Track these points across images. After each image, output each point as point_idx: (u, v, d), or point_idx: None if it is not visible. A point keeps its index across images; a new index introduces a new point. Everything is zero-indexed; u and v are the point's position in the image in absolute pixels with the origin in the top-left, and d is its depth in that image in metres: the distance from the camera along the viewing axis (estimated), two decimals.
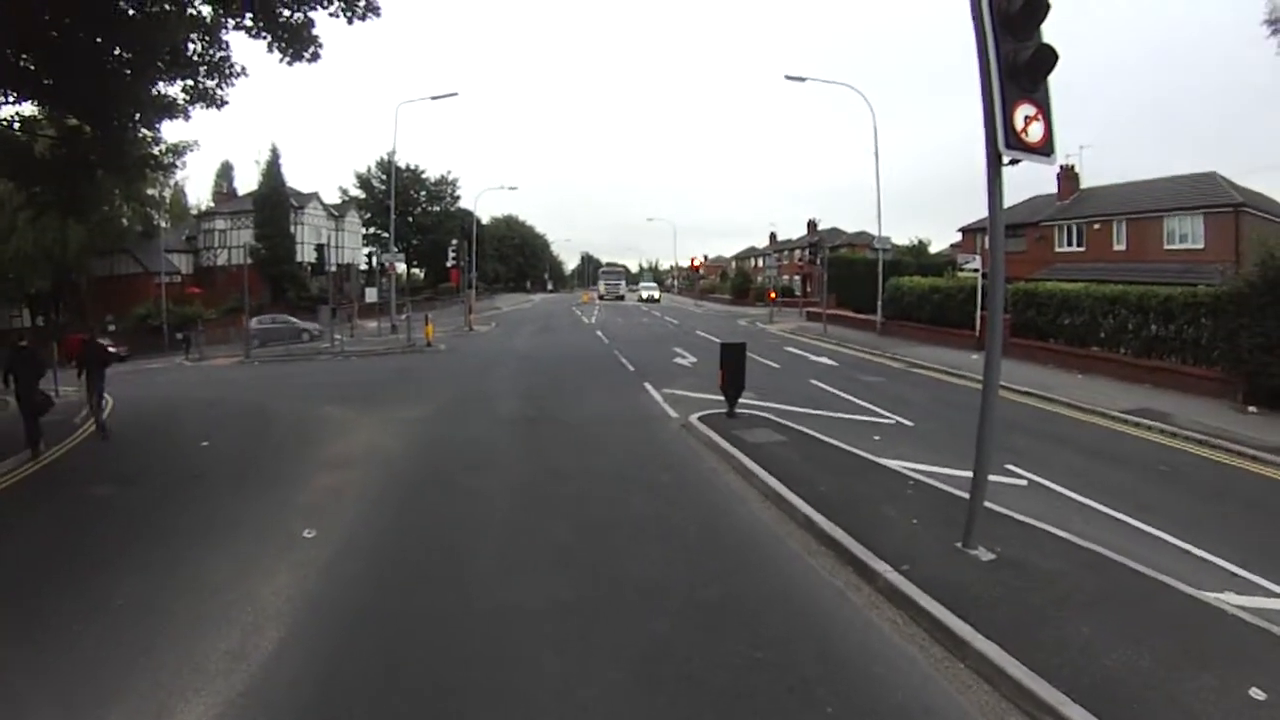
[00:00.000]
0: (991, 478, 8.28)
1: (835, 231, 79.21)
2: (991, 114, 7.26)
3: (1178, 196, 35.84)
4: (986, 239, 9.30)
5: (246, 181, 72.17)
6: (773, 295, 54.94)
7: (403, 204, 74.90)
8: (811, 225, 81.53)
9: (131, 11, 15.03)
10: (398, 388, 22.01)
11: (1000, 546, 7.91)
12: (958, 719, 5.28)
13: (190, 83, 17.28)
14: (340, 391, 21.19)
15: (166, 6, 15.45)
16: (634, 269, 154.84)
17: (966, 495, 8.15)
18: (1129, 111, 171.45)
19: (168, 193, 63.48)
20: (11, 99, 16.97)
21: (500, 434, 14.76)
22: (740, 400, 15.33)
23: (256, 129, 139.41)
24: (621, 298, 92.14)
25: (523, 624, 6.59)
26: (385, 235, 62.50)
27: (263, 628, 6.58)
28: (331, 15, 16.26)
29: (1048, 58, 7.26)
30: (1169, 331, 20.69)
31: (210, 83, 17.33)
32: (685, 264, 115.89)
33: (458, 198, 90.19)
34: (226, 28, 16.57)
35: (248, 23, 16.00)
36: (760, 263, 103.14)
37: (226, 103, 17.79)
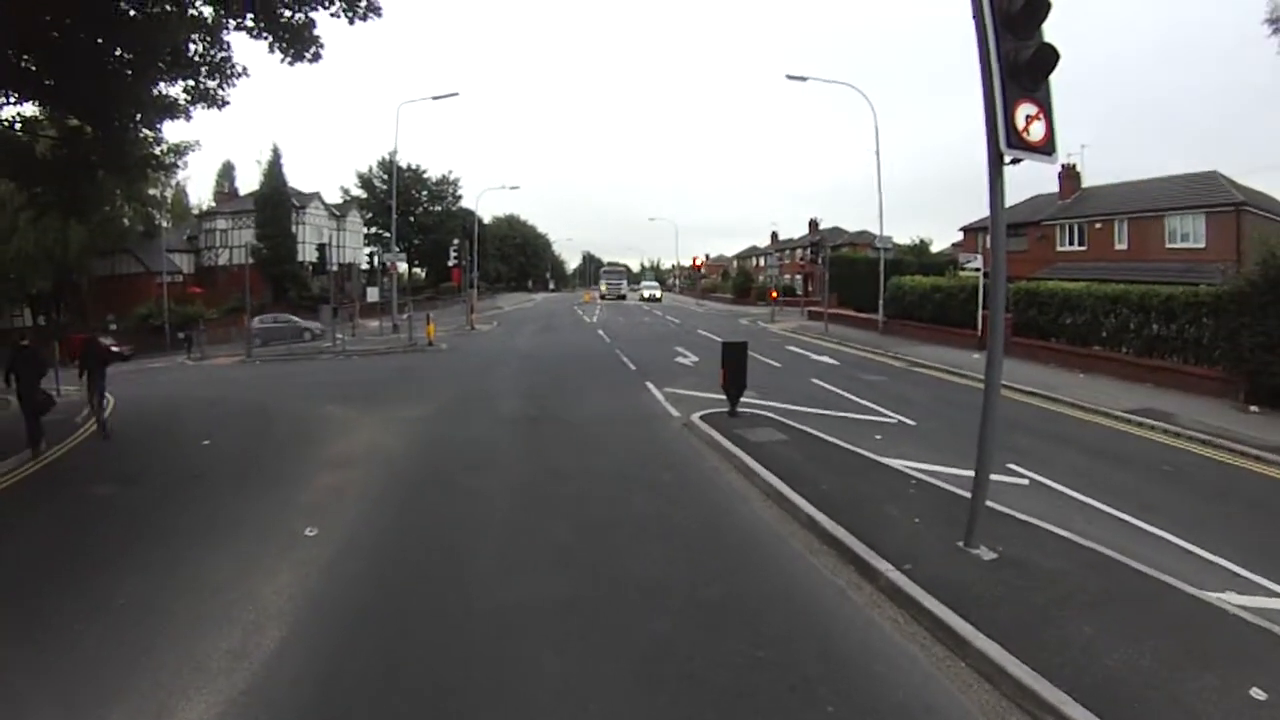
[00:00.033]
0: (993, 477, 8.29)
1: (837, 231, 79.15)
2: (993, 113, 7.26)
3: (1179, 196, 35.80)
4: (988, 238, 9.29)
5: (248, 181, 72.25)
6: (774, 294, 54.94)
7: (404, 204, 74.91)
8: (813, 224, 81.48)
9: (132, 12, 15.03)
10: (399, 387, 22.01)
11: (1002, 546, 7.90)
12: (959, 718, 5.28)
13: (191, 83, 17.28)
14: (342, 391, 21.19)
15: (167, 7, 15.45)
16: (635, 268, 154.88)
17: (968, 494, 8.14)
18: (1130, 111, 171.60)
19: (169, 193, 63.61)
20: (13, 100, 16.99)
21: (502, 433, 14.76)
22: (742, 399, 15.32)
23: (258, 129, 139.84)
24: (623, 297, 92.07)
25: (524, 623, 6.59)
26: (387, 235, 62.51)
27: (264, 627, 6.58)
28: (333, 16, 16.26)
29: (1049, 57, 7.26)
30: (1171, 331, 20.68)
31: (211, 83, 17.33)
32: (687, 263, 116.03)
33: (459, 197, 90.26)
34: (228, 28, 16.57)
35: (249, 23, 16.00)
36: (762, 262, 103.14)
37: (228, 103, 17.80)
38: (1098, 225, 39.19)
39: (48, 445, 14.64)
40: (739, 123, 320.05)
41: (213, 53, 17.00)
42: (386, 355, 32.63)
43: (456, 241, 65.27)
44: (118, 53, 15.70)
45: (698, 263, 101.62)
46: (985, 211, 8.10)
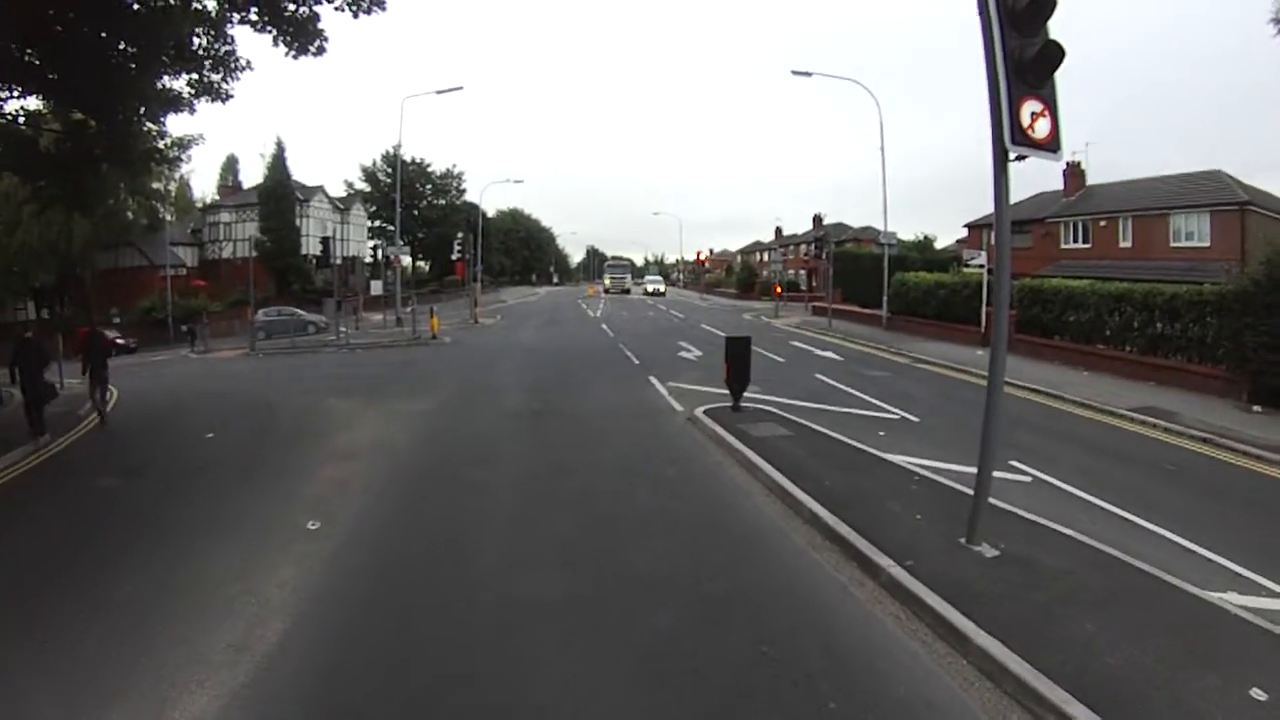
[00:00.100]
0: (996, 474, 8.30)
1: (841, 226, 78.91)
2: (998, 110, 7.25)
3: (1184, 194, 35.72)
4: (992, 234, 9.29)
5: (252, 175, 72.11)
6: (778, 290, 54.90)
7: (408, 197, 75.02)
8: (817, 220, 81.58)
9: (136, 6, 15.04)
10: (403, 380, 22.03)
11: (1004, 543, 7.90)
12: (960, 715, 5.28)
13: (195, 76, 17.30)
14: (345, 384, 21.23)
15: (171, 1, 15.44)
16: (639, 263, 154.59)
17: (971, 491, 8.13)
18: (1135, 108, 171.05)
19: (173, 186, 63.41)
20: (16, 94, 17.01)
21: (505, 427, 14.78)
22: (745, 394, 15.34)
23: (262, 122, 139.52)
24: (627, 291, 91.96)
25: (527, 617, 6.60)
26: (391, 228, 62.76)
27: (267, 620, 6.60)
28: (336, 9, 16.30)
29: (1054, 54, 7.24)
30: (1174, 330, 20.65)
31: (215, 76, 17.35)
32: (691, 258, 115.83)
33: (463, 191, 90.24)
34: (231, 21, 16.57)
35: (253, 16, 16.02)
36: (766, 257, 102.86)
37: (232, 96, 17.82)
38: (1102, 223, 39.13)
39: (51, 438, 14.68)
40: (743, 118, 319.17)
41: (216, 46, 17.01)
42: (390, 349, 32.66)
43: (460, 235, 65.56)
44: (121, 46, 15.70)
45: (702, 257, 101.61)
46: (989, 208, 8.08)
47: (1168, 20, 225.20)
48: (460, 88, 49.82)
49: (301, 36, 16.29)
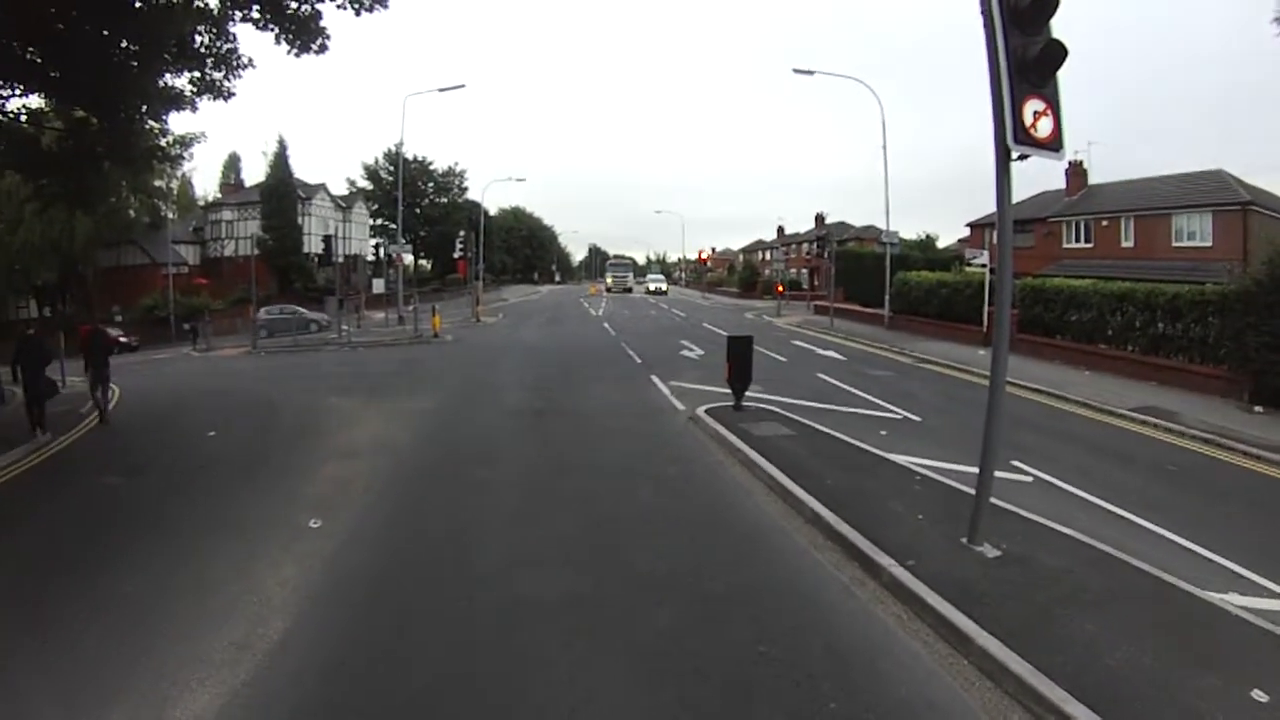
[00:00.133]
0: (997, 474, 8.29)
1: (843, 225, 78.94)
2: (1000, 109, 7.24)
3: (1186, 194, 35.67)
4: (995, 234, 9.28)
5: (254, 173, 72.10)
6: (780, 289, 54.88)
7: (410, 195, 75.00)
8: (819, 219, 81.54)
9: (138, 3, 15.04)
10: (405, 379, 22.06)
11: (1005, 543, 7.90)
12: (961, 715, 5.28)
13: (197, 74, 17.30)
14: (347, 382, 21.25)
15: None
16: (641, 261, 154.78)
17: (972, 491, 8.13)
18: (1137, 108, 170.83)
19: (175, 184, 63.49)
20: (19, 92, 17.02)
21: (507, 425, 14.79)
22: (747, 393, 15.33)
23: (264, 120, 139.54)
24: (629, 290, 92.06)
25: (529, 616, 6.60)
26: (393, 226, 62.74)
27: (268, 619, 6.60)
28: (339, 7, 16.29)
29: (1057, 53, 7.23)
30: (1176, 330, 20.63)
31: (217, 74, 17.35)
32: (693, 257, 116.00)
33: (465, 189, 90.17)
34: (234, 19, 16.57)
35: (255, 14, 16.02)
36: (768, 256, 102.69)
37: (234, 94, 17.82)
38: (1104, 223, 39.09)
39: (53, 436, 14.69)
40: (746, 117, 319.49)
41: (219, 44, 17.00)
42: (392, 347, 32.66)
43: (462, 233, 65.49)
44: (123, 44, 15.71)
45: (704, 256, 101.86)
46: (992, 207, 8.08)
47: (1171, 20, 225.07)
48: (462, 86, 49.69)
49: (303, 34, 16.29)
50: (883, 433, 14.08)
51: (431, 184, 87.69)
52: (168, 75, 17.33)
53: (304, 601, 6.98)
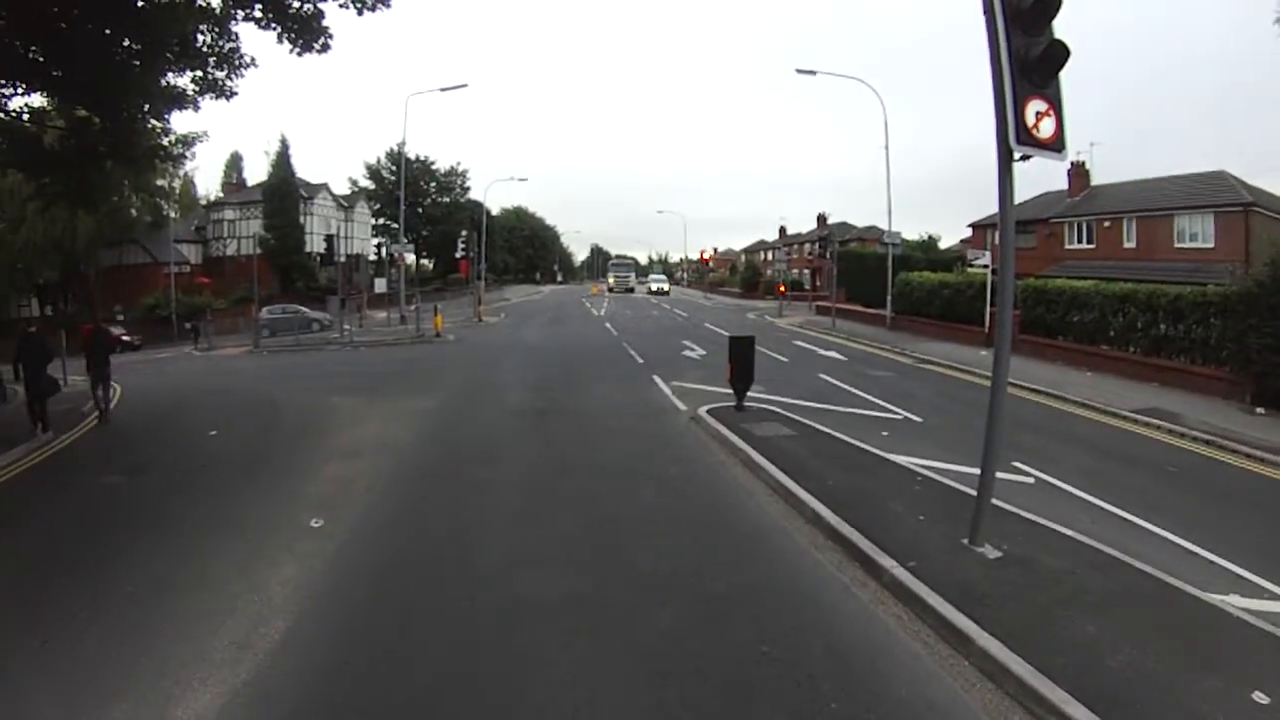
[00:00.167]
0: (999, 475, 8.29)
1: (845, 226, 78.91)
2: (1003, 110, 7.23)
3: (1188, 195, 35.68)
4: (997, 234, 9.27)
5: (256, 172, 72.39)
6: (782, 289, 54.98)
7: (412, 195, 74.95)
8: (821, 219, 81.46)
9: (140, 2, 15.05)
10: (407, 378, 22.08)
11: (1006, 544, 7.89)
12: (962, 716, 5.28)
13: (199, 74, 17.31)
14: (349, 382, 21.28)
15: None
16: (644, 261, 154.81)
17: (974, 492, 8.12)
18: (1139, 108, 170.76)
19: (177, 183, 63.56)
20: (21, 90, 17.03)
21: (509, 425, 14.79)
22: (749, 394, 15.31)
23: (266, 120, 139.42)
24: (631, 290, 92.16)
25: (531, 615, 6.60)
26: (395, 226, 62.68)
27: (269, 618, 6.60)
28: (341, 6, 16.31)
29: (1060, 54, 7.22)
30: (1178, 331, 20.60)
31: (220, 74, 17.36)
32: (695, 257, 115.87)
33: (467, 189, 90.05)
34: (236, 19, 16.59)
35: (257, 14, 16.03)
36: (770, 256, 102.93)
37: (236, 93, 17.82)
38: (1106, 224, 39.09)
39: (55, 434, 14.71)
40: (748, 117, 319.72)
41: (221, 43, 17.01)
42: (394, 346, 32.70)
43: (464, 233, 65.48)
44: (125, 43, 15.74)
45: (706, 256, 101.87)
46: (994, 208, 8.08)
47: (1173, 20, 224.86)
48: (465, 85, 49.79)
49: (306, 34, 16.30)
50: (884, 433, 14.08)
51: (434, 183, 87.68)
52: (170, 74, 17.35)
53: (305, 601, 6.98)
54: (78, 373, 19.55)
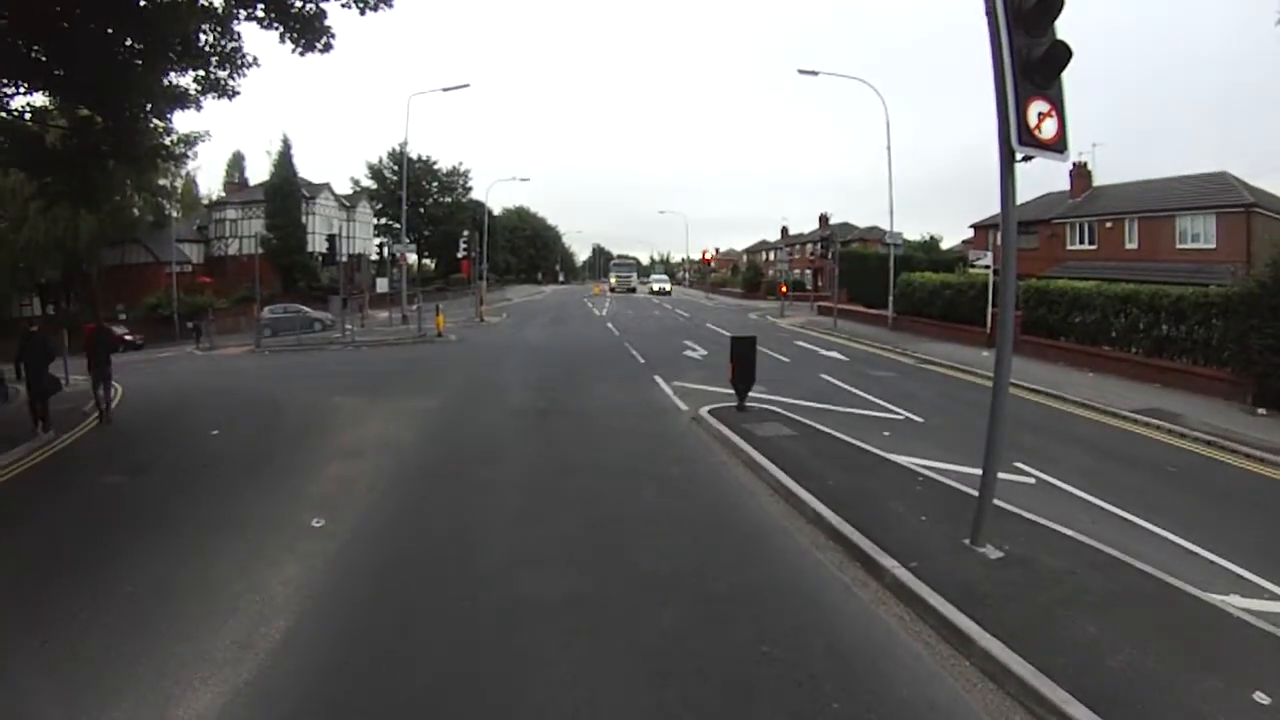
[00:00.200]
0: (1000, 475, 8.28)
1: (847, 226, 78.86)
2: (1004, 110, 7.23)
3: (1190, 196, 35.65)
4: (998, 235, 9.26)
5: (258, 171, 72.47)
6: (784, 289, 54.96)
7: (414, 195, 75.02)
8: (823, 219, 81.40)
9: (143, 2, 15.06)
10: (409, 378, 22.09)
11: (1008, 544, 7.90)
12: (963, 716, 5.28)
13: (202, 73, 17.30)
14: (351, 381, 21.29)
15: None
16: (645, 261, 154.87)
17: (975, 492, 8.12)
18: (1141, 109, 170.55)
19: (179, 183, 63.63)
20: (23, 90, 17.04)
21: (511, 425, 14.79)
22: (750, 394, 15.32)
23: (268, 119, 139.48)
24: (633, 290, 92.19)
25: (532, 615, 6.61)
26: (397, 226, 62.72)
27: (270, 618, 6.60)
28: (344, 6, 16.30)
29: (1062, 54, 7.22)
30: (1180, 332, 20.60)
31: (222, 73, 17.36)
32: (697, 257, 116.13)
33: (469, 189, 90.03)
34: (238, 18, 16.58)
35: (259, 13, 16.03)
36: (771, 256, 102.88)
37: (238, 93, 17.82)
38: (1108, 224, 39.06)
39: (56, 434, 14.72)
40: (750, 117, 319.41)
41: (223, 43, 17.01)
42: (396, 346, 32.71)
43: (466, 233, 65.53)
44: (128, 43, 15.74)
45: (707, 257, 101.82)
46: (995, 208, 8.08)
47: (1175, 21, 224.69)
48: (467, 85, 49.88)
49: (308, 33, 16.31)
50: (885, 434, 14.07)
51: (436, 183, 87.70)
52: (172, 74, 17.35)
53: (307, 600, 6.99)
54: (79, 372, 19.58)
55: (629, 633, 6.30)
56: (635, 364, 23.96)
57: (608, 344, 30.83)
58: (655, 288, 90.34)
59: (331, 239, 46.79)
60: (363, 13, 16.53)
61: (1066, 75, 7.47)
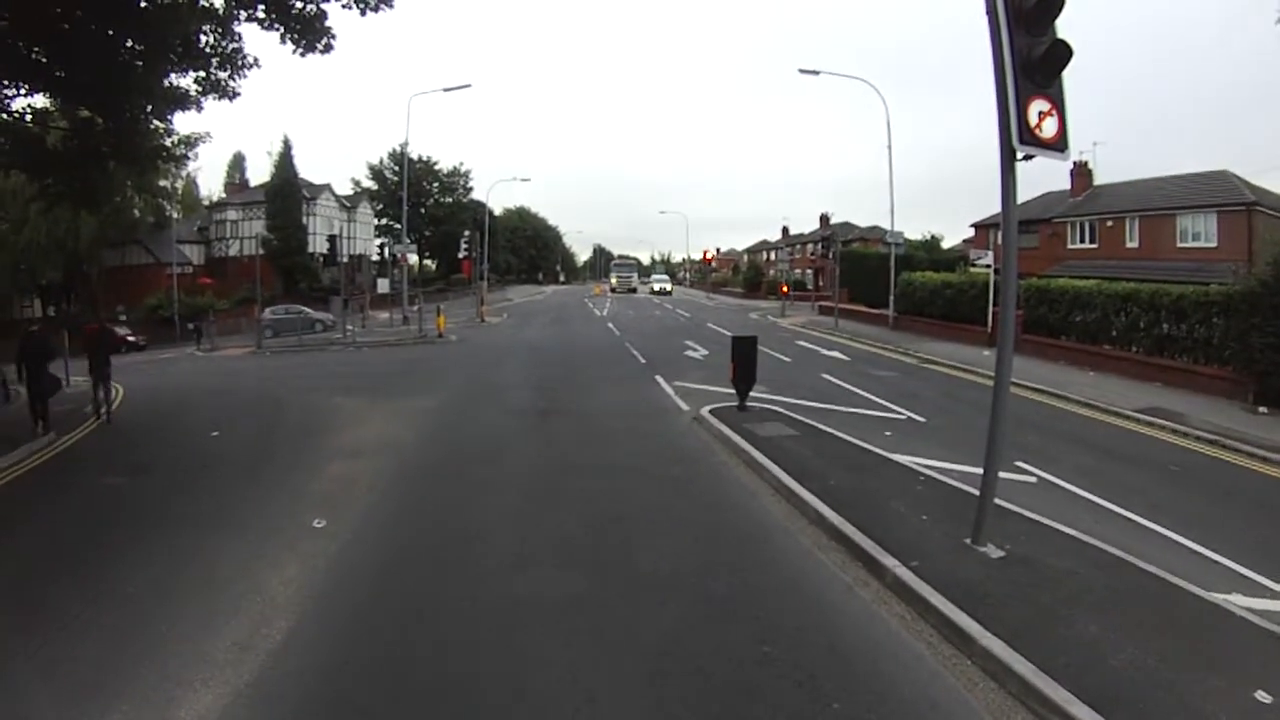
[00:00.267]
0: (1002, 475, 8.27)
1: (848, 226, 78.77)
2: (1005, 109, 7.23)
3: (1190, 194, 35.65)
4: (999, 234, 9.26)
5: (259, 172, 72.44)
6: (785, 289, 54.84)
7: (415, 195, 75.00)
8: (824, 219, 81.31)
9: (143, 3, 15.06)
10: (409, 378, 22.09)
11: (1009, 544, 7.89)
12: (965, 716, 5.27)
13: (202, 74, 17.32)
14: (352, 382, 21.29)
15: None
16: (646, 261, 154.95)
17: (976, 492, 8.12)
18: (1142, 108, 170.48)
19: (180, 184, 63.63)
20: (24, 91, 17.06)
21: (511, 425, 14.79)
22: (751, 394, 15.32)
23: (269, 120, 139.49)
24: (634, 290, 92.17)
25: (533, 615, 6.61)
26: (397, 226, 62.71)
27: (271, 619, 6.60)
28: (344, 7, 16.32)
29: (1062, 53, 7.22)
30: (1181, 330, 20.58)
31: (222, 74, 17.37)
32: (697, 257, 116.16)
33: (470, 189, 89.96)
34: (239, 19, 16.59)
35: (260, 14, 16.03)
36: (772, 256, 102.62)
37: (239, 94, 17.84)
38: (1109, 223, 39.04)
39: (57, 435, 14.72)
40: (751, 117, 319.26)
41: (224, 44, 17.03)
42: (397, 347, 32.74)
43: (467, 233, 65.59)
44: (128, 44, 15.75)
45: (708, 256, 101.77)
46: (996, 208, 8.08)
47: (1176, 19, 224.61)
48: (468, 86, 49.87)
49: (309, 34, 16.31)
50: (887, 433, 14.06)
51: (436, 184, 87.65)
52: (173, 75, 17.37)
53: (307, 601, 6.99)
54: (80, 373, 19.58)
55: (629, 633, 6.30)
56: (636, 364, 23.96)
57: (608, 344, 30.83)
58: (656, 288, 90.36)
59: (332, 240, 46.83)
60: (363, 13, 16.54)
61: (1067, 74, 7.47)
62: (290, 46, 16.41)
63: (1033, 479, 11.35)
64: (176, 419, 17.46)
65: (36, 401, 14.73)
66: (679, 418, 15.47)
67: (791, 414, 14.98)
